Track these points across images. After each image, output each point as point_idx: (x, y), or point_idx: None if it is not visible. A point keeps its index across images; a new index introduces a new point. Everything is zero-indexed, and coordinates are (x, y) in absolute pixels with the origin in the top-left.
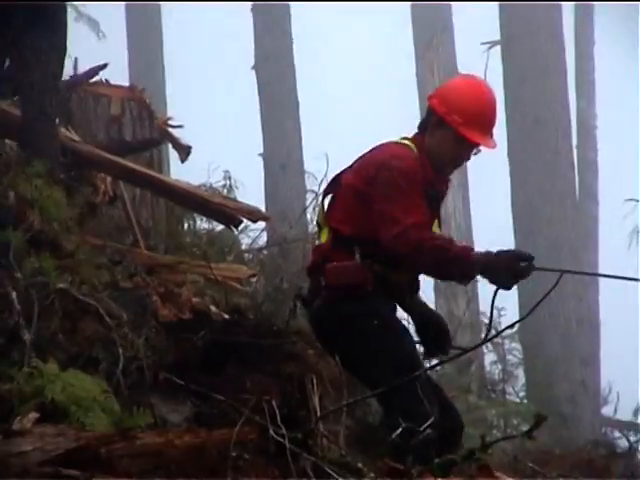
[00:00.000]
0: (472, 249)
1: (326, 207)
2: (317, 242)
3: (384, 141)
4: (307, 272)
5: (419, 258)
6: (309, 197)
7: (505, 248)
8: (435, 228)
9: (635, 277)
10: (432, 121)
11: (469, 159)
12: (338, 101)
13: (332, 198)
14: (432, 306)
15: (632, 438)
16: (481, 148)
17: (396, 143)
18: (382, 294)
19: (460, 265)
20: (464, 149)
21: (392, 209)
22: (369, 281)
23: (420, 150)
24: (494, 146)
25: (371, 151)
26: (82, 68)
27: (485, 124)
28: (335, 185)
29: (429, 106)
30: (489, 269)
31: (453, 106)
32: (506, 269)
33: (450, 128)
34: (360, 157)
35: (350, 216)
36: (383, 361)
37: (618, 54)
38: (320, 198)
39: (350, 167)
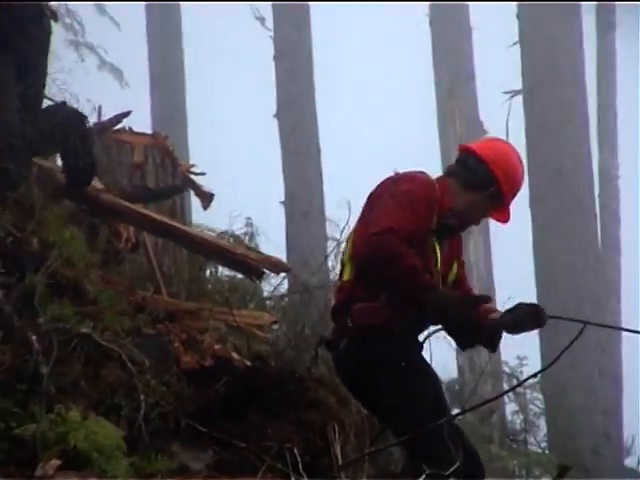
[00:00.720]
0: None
1: (351, 243)
2: (339, 281)
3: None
4: (332, 312)
5: (383, 266)
6: (330, 245)
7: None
8: (454, 267)
9: None
10: (473, 178)
11: (478, 224)
12: (360, 148)
13: (355, 233)
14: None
15: None
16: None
17: (421, 172)
18: (409, 333)
19: (413, 289)
20: (492, 205)
21: (379, 213)
22: (396, 321)
23: (441, 189)
24: (508, 220)
25: (391, 176)
26: (106, 116)
27: (516, 191)
28: (358, 220)
29: (473, 154)
30: (439, 309)
31: (497, 161)
32: (458, 314)
33: (486, 192)
34: (381, 182)
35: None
36: (409, 404)
37: None
38: (340, 244)
39: (370, 195)
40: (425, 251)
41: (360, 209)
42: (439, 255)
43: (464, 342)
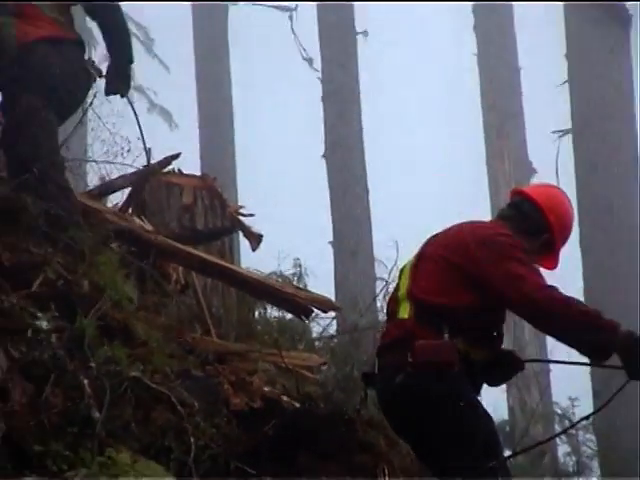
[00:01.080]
0: (618, 324)
1: (408, 282)
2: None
3: (472, 220)
4: (387, 347)
5: (552, 316)
6: (379, 285)
7: None
8: None
9: None
10: (528, 224)
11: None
12: (407, 186)
13: (415, 272)
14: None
15: None
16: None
17: (491, 221)
18: (466, 374)
19: (599, 334)
20: (544, 251)
21: (516, 268)
22: (456, 361)
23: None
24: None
25: (456, 228)
26: (155, 158)
27: (565, 241)
28: (418, 260)
29: (529, 199)
30: (629, 349)
31: (556, 210)
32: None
33: (540, 239)
34: (444, 232)
35: (440, 287)
36: (463, 444)
37: None
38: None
39: (433, 241)
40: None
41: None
42: None
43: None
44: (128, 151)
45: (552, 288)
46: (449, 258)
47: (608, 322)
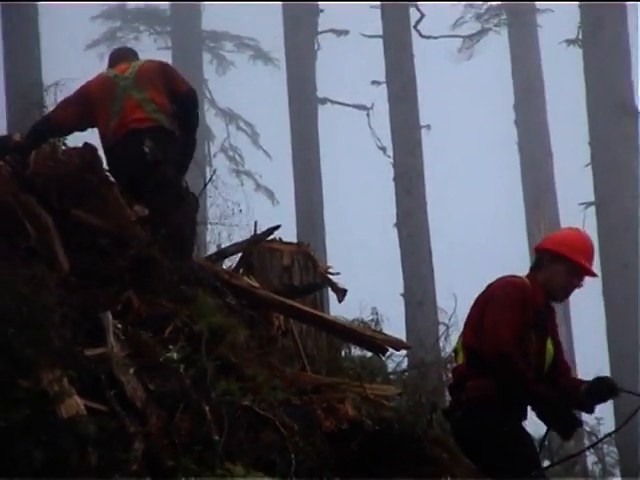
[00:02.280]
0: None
1: (462, 333)
2: (454, 364)
3: (508, 275)
4: (449, 390)
5: (513, 381)
6: (441, 328)
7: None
8: (549, 345)
9: None
10: (546, 259)
11: (580, 286)
12: (463, 247)
13: (467, 320)
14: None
15: None
16: (586, 277)
17: (513, 275)
18: (509, 405)
19: (528, 395)
20: (574, 277)
21: (495, 321)
22: (501, 396)
23: (533, 284)
24: (596, 274)
25: (496, 280)
26: (260, 229)
27: (589, 257)
28: (469, 314)
29: (542, 250)
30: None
31: (563, 243)
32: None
33: (562, 262)
34: (488, 285)
35: (477, 333)
36: (509, 463)
37: None
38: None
39: (480, 295)
40: (523, 341)
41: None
42: (534, 341)
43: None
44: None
45: (512, 348)
46: (482, 308)
47: (548, 396)
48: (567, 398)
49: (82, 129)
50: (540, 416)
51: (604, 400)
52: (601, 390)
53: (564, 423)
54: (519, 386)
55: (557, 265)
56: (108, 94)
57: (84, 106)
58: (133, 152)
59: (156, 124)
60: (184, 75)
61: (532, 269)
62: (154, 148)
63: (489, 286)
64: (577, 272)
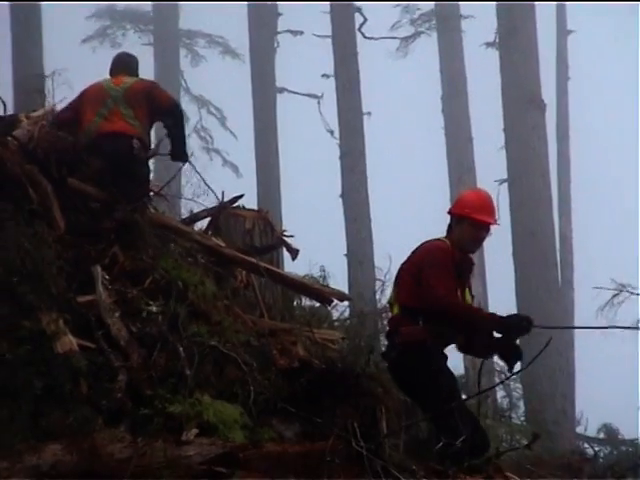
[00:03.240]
0: (491, 314)
1: (395, 289)
2: (390, 315)
3: (429, 239)
4: (386, 335)
5: (450, 315)
6: (378, 284)
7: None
8: (467, 295)
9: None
10: (454, 221)
11: (487, 235)
12: (398, 216)
13: (397, 284)
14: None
15: (596, 448)
16: (491, 228)
17: (437, 240)
18: (437, 347)
19: (479, 323)
20: (479, 230)
21: (430, 278)
22: (429, 339)
23: (451, 243)
24: (497, 224)
25: (420, 246)
26: (227, 197)
27: (487, 211)
28: (399, 275)
29: (450, 213)
30: (501, 326)
31: (464, 205)
32: (515, 326)
33: (466, 221)
34: (412, 252)
35: (411, 294)
36: (435, 394)
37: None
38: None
39: (407, 260)
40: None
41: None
42: (459, 294)
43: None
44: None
45: (450, 296)
46: (413, 272)
47: (486, 314)
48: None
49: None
50: (488, 344)
51: (518, 334)
52: (515, 323)
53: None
54: (470, 319)
55: (463, 224)
56: (98, 97)
57: (79, 107)
58: (121, 147)
59: (138, 135)
60: (163, 70)
61: (447, 231)
62: (139, 148)
63: (415, 252)
64: (480, 226)
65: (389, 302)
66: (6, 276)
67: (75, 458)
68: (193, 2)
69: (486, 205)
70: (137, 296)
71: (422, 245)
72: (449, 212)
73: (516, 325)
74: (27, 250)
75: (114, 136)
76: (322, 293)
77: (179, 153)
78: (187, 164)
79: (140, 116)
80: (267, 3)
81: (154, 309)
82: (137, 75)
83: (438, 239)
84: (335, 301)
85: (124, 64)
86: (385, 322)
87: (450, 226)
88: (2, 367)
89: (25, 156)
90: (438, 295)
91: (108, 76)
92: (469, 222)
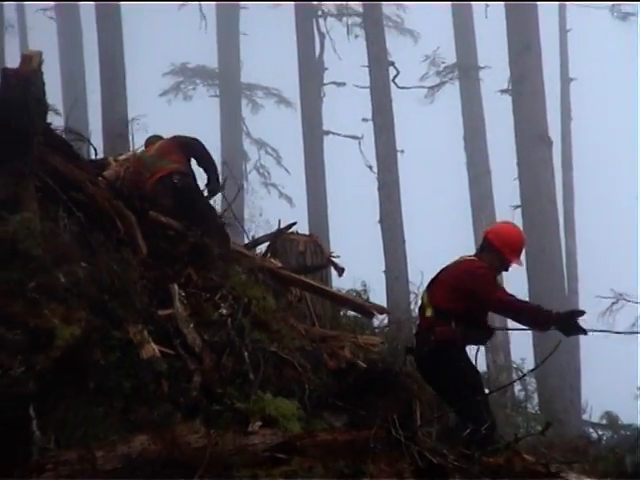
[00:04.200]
0: (546, 311)
1: (429, 295)
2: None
3: (463, 256)
4: (417, 333)
5: (510, 311)
6: (412, 296)
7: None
8: None
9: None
10: (487, 245)
11: (506, 270)
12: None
13: (432, 289)
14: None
15: (600, 432)
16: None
17: (475, 259)
18: (464, 346)
19: (539, 319)
20: (505, 266)
21: (489, 286)
22: (459, 338)
23: (479, 259)
24: (520, 264)
25: (456, 264)
26: (283, 224)
27: (517, 251)
28: (434, 282)
29: (487, 237)
30: (557, 323)
31: (505, 242)
32: (566, 324)
33: (496, 253)
34: (448, 266)
35: (447, 299)
36: (462, 387)
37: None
38: (417, 295)
39: (444, 270)
40: None
41: (434, 274)
42: None
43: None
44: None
45: (509, 296)
46: (452, 282)
47: (544, 311)
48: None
49: None
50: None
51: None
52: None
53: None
54: (527, 311)
55: (494, 254)
56: (141, 166)
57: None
58: (167, 184)
59: (177, 170)
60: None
61: (479, 249)
62: (180, 179)
63: (451, 266)
64: (507, 264)
65: (421, 307)
66: (99, 294)
67: (159, 447)
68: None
69: (520, 249)
70: (209, 308)
71: (461, 263)
72: (486, 235)
73: (572, 325)
74: (116, 272)
75: (164, 177)
76: (364, 307)
77: (213, 187)
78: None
79: (175, 158)
80: (315, 57)
81: (224, 311)
82: None
83: (475, 259)
84: (375, 312)
85: (154, 140)
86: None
87: (481, 247)
88: (97, 371)
89: (113, 193)
90: (499, 297)
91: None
92: (500, 256)
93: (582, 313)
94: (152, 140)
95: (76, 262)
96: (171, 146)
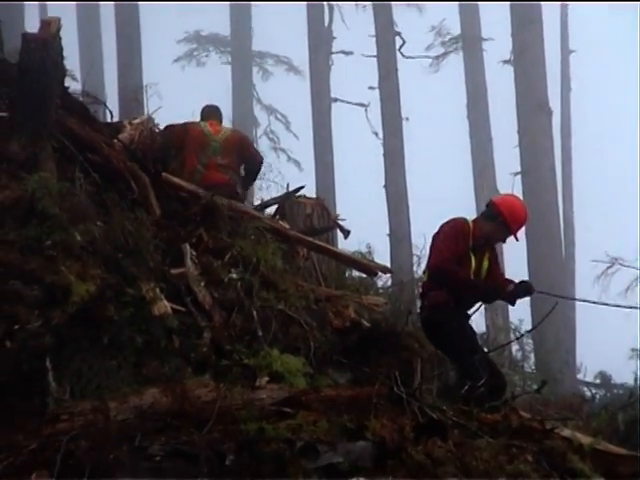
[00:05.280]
0: (480, 282)
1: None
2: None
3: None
4: (420, 296)
5: (445, 280)
6: (415, 258)
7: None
8: (484, 264)
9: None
10: (492, 211)
11: (502, 241)
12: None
13: (429, 255)
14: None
15: (593, 391)
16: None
17: (459, 218)
18: (458, 308)
19: (467, 289)
20: (503, 233)
21: (437, 246)
22: (451, 301)
23: (475, 224)
24: (518, 239)
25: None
26: (291, 188)
27: (520, 225)
28: (430, 247)
29: (493, 204)
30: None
31: (509, 209)
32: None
33: (500, 220)
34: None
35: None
36: (458, 347)
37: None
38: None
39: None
40: (464, 260)
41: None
42: (473, 261)
43: (490, 301)
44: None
45: (449, 262)
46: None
47: (472, 282)
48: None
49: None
50: (484, 299)
51: (525, 296)
52: (524, 288)
53: (493, 297)
54: (456, 283)
55: (495, 220)
56: (200, 143)
57: (184, 140)
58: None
59: (229, 183)
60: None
61: (481, 214)
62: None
63: (441, 224)
64: (506, 232)
65: (424, 270)
66: (113, 252)
67: (169, 400)
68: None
69: (523, 224)
70: (219, 268)
71: (448, 219)
72: (493, 202)
73: (517, 294)
74: (130, 231)
75: (216, 187)
76: (368, 267)
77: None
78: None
79: (233, 165)
80: (324, 27)
81: (234, 276)
82: (221, 121)
83: (460, 218)
84: (379, 273)
85: (214, 113)
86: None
87: (485, 214)
88: (111, 326)
89: (128, 155)
90: (441, 259)
91: (199, 118)
92: (501, 222)
93: (531, 293)
94: (210, 111)
95: (91, 221)
96: (238, 147)
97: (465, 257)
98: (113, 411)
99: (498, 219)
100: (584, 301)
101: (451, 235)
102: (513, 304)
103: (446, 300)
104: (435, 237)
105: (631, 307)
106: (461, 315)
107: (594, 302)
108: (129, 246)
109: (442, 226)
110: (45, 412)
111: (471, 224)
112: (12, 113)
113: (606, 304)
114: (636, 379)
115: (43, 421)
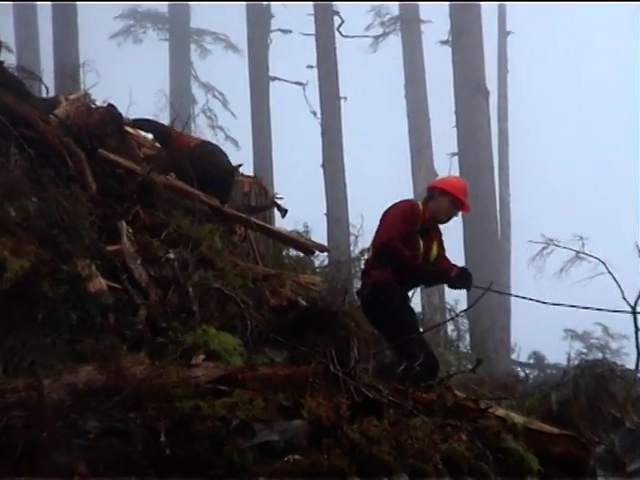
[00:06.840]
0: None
1: (373, 238)
2: (367, 257)
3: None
4: (361, 275)
5: (391, 258)
6: (352, 238)
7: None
8: (434, 248)
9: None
10: (436, 194)
11: (457, 215)
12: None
13: (375, 235)
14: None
15: (527, 371)
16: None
17: (408, 199)
18: (400, 288)
19: (412, 268)
20: (454, 208)
21: (385, 224)
22: (394, 281)
23: (424, 207)
24: (469, 209)
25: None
26: None
27: (466, 197)
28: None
29: (434, 187)
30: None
31: (451, 186)
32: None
33: (447, 197)
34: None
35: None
36: (398, 326)
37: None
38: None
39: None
40: (412, 242)
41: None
42: (421, 244)
43: (432, 284)
44: None
45: (395, 241)
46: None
47: (415, 263)
48: (439, 273)
49: None
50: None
51: (461, 288)
52: (463, 280)
53: (436, 281)
54: (402, 262)
55: (444, 198)
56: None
57: None
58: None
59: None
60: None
61: (425, 201)
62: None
63: (389, 206)
64: (457, 205)
65: (369, 248)
66: (48, 228)
67: (104, 377)
68: (202, 2)
69: (462, 187)
70: (156, 245)
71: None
72: (432, 187)
73: (458, 283)
74: (65, 207)
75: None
76: (306, 245)
77: None
78: None
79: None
80: (263, 5)
81: (172, 256)
82: None
83: (412, 199)
84: (316, 252)
85: None
86: (357, 269)
87: (428, 198)
88: (45, 303)
89: (63, 131)
90: (389, 236)
91: None
92: (450, 199)
93: (469, 289)
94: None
95: (26, 197)
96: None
97: (412, 239)
98: (47, 389)
99: (442, 195)
100: (523, 297)
101: (400, 215)
102: (454, 289)
103: (389, 279)
104: (384, 215)
105: (572, 306)
106: (403, 295)
107: (532, 299)
108: (64, 222)
109: (392, 205)
110: None
111: (421, 207)
112: None
113: (542, 302)
114: (569, 359)
115: None
